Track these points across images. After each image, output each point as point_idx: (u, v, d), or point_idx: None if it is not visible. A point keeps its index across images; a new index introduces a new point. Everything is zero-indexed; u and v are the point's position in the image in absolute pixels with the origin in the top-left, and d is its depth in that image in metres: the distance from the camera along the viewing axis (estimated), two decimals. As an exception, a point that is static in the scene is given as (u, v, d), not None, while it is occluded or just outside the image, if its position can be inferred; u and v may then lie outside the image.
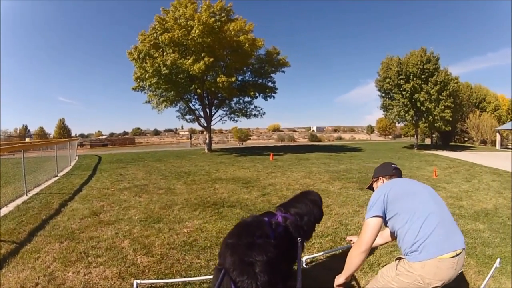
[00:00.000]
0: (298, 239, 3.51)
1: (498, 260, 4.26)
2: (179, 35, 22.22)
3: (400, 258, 2.79)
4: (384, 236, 3.70)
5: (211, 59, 22.53)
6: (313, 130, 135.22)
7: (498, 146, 46.12)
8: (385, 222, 2.99)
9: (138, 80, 24.77)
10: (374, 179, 3.60)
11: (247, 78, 29.58)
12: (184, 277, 4.29)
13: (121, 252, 4.92)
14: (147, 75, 22.81)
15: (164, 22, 23.32)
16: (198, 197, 8.96)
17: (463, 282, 4.47)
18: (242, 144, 60.13)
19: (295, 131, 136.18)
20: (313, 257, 4.98)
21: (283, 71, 30.11)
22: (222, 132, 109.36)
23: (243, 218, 3.47)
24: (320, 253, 5.15)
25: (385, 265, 3.24)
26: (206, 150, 27.55)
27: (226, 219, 6.79)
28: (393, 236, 3.11)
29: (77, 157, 22.69)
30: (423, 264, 2.56)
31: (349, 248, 3.12)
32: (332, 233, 6.18)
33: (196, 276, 4.29)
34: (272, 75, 29.70)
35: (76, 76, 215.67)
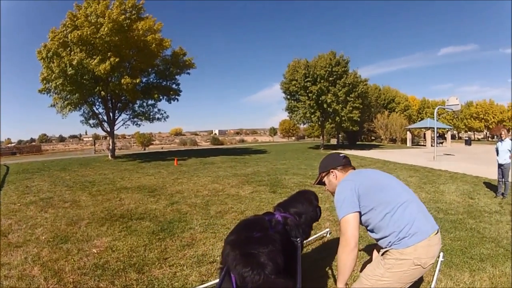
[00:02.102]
0: (298, 239, 3.52)
1: (441, 254, 4.58)
2: (88, 33, 21.36)
3: (384, 253, 2.84)
4: None
5: (117, 59, 22.06)
6: (215, 134, 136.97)
7: (409, 143, 48.95)
8: None
9: (45, 82, 23.45)
10: (324, 173, 3.42)
11: (151, 80, 29.08)
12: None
13: (33, 281, 4.62)
14: (53, 76, 21.72)
15: (75, 19, 22.24)
16: (104, 209, 8.73)
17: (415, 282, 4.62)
18: (145, 149, 59.50)
19: (197, 134, 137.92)
20: None
21: (189, 73, 29.99)
22: (125, 137, 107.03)
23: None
24: None
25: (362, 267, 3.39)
26: (109, 157, 26.83)
27: (136, 234, 6.62)
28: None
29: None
30: (415, 247, 2.67)
31: None
32: None
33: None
34: (177, 76, 29.47)
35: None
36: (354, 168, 3.39)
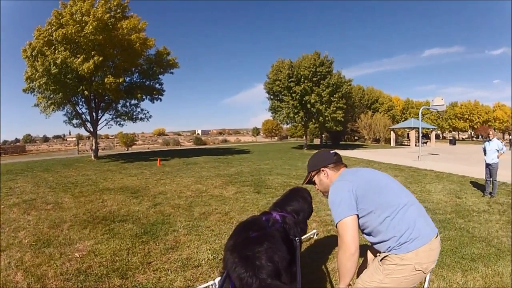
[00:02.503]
0: (296, 238, 3.44)
1: None
2: (73, 31, 21.22)
3: (383, 258, 2.72)
4: None
5: (101, 58, 21.97)
6: (198, 134, 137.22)
7: (393, 143, 49.23)
8: None
9: (29, 81, 23.21)
10: (314, 171, 3.21)
11: (134, 79, 28.93)
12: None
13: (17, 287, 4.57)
14: (37, 74, 21.56)
15: (60, 17, 22.03)
16: (87, 211, 8.66)
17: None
18: (128, 149, 59.32)
19: (180, 134, 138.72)
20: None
21: (172, 72, 29.99)
22: (109, 138, 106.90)
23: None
24: None
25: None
26: (92, 157, 26.63)
27: (118, 237, 6.53)
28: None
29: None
30: (416, 252, 2.58)
31: None
32: None
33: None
34: (160, 76, 29.38)
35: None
36: (346, 166, 3.23)
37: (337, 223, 2.70)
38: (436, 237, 2.76)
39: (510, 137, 57.98)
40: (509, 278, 4.79)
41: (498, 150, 10.80)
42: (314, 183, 3.28)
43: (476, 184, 12.61)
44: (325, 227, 7.20)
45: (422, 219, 2.77)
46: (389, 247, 2.66)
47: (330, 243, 6.15)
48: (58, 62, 21.06)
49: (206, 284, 4.45)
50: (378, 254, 2.90)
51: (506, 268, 5.10)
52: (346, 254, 2.61)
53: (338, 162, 3.20)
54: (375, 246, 2.86)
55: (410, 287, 2.72)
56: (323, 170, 3.17)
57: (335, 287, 4.51)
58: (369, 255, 3.38)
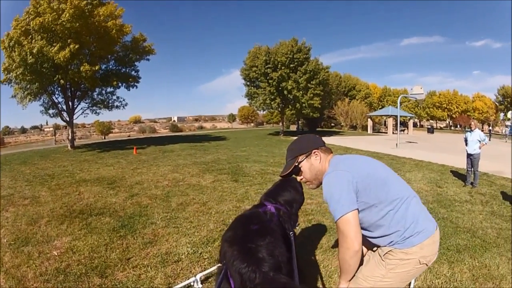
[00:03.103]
0: (291, 232, 3.30)
1: None
2: (50, 19, 20.74)
3: (386, 253, 2.61)
4: None
5: (77, 46, 21.58)
6: (174, 120, 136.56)
7: (370, 130, 49.72)
8: None
9: (6, 72, 22.85)
10: (303, 155, 2.84)
11: (110, 66, 28.50)
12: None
13: (-2, 291, 4.43)
14: (14, 65, 21.18)
15: (38, 6, 21.42)
16: (63, 205, 8.52)
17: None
18: (104, 138, 58.88)
19: (156, 122, 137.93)
20: (207, 273, 4.61)
21: (148, 59, 29.60)
22: (85, 127, 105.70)
23: None
24: (215, 267, 4.50)
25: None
26: (69, 147, 26.33)
27: (96, 232, 6.44)
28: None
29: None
30: (421, 246, 2.52)
31: None
32: (218, 237, 5.80)
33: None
34: (136, 63, 29.06)
35: None
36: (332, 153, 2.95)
37: (338, 219, 2.46)
38: (437, 228, 2.70)
39: (490, 127, 58.66)
40: (497, 271, 4.86)
41: (480, 141, 11.01)
42: (297, 172, 2.91)
43: (456, 174, 12.86)
44: (306, 217, 7.26)
45: (424, 212, 2.73)
46: (392, 241, 2.59)
47: (313, 234, 6.23)
48: (34, 51, 20.70)
49: (187, 281, 4.40)
50: (376, 248, 2.85)
51: (493, 260, 5.18)
52: (350, 252, 2.44)
53: (328, 148, 2.95)
54: (373, 240, 2.75)
55: (410, 280, 2.81)
56: (315, 153, 2.85)
57: (324, 279, 4.54)
58: (364, 250, 3.10)
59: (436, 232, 2.68)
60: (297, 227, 6.47)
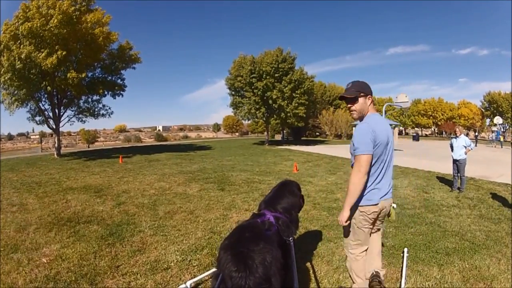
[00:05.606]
0: (290, 238, 3.46)
1: (405, 249, 4.70)
2: (38, 25, 20.68)
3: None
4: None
5: (64, 53, 21.56)
6: (159, 130, 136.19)
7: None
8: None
9: None
10: (364, 94, 3.61)
11: (97, 74, 28.54)
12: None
13: (-10, 300, 4.44)
14: (3, 70, 21.10)
15: (27, 10, 21.45)
16: (51, 213, 8.54)
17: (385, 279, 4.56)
18: (89, 146, 58.10)
19: (141, 131, 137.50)
20: (197, 280, 4.66)
21: (134, 68, 29.62)
22: (71, 135, 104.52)
23: None
24: (205, 274, 4.77)
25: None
26: (55, 155, 26.18)
27: (84, 239, 6.44)
28: None
29: None
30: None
31: None
32: (207, 245, 6.00)
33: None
34: (122, 71, 29.09)
35: None
36: None
37: (360, 154, 3.35)
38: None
39: (476, 133, 59.30)
40: (487, 271, 4.97)
41: (465, 147, 11.24)
42: (351, 101, 3.63)
43: (442, 179, 13.11)
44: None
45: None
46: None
47: (302, 240, 6.28)
48: (22, 57, 20.72)
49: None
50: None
51: (483, 261, 5.32)
52: (360, 176, 3.33)
53: None
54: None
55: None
56: (370, 98, 3.65)
57: (313, 285, 4.57)
58: (371, 241, 4.02)
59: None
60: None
